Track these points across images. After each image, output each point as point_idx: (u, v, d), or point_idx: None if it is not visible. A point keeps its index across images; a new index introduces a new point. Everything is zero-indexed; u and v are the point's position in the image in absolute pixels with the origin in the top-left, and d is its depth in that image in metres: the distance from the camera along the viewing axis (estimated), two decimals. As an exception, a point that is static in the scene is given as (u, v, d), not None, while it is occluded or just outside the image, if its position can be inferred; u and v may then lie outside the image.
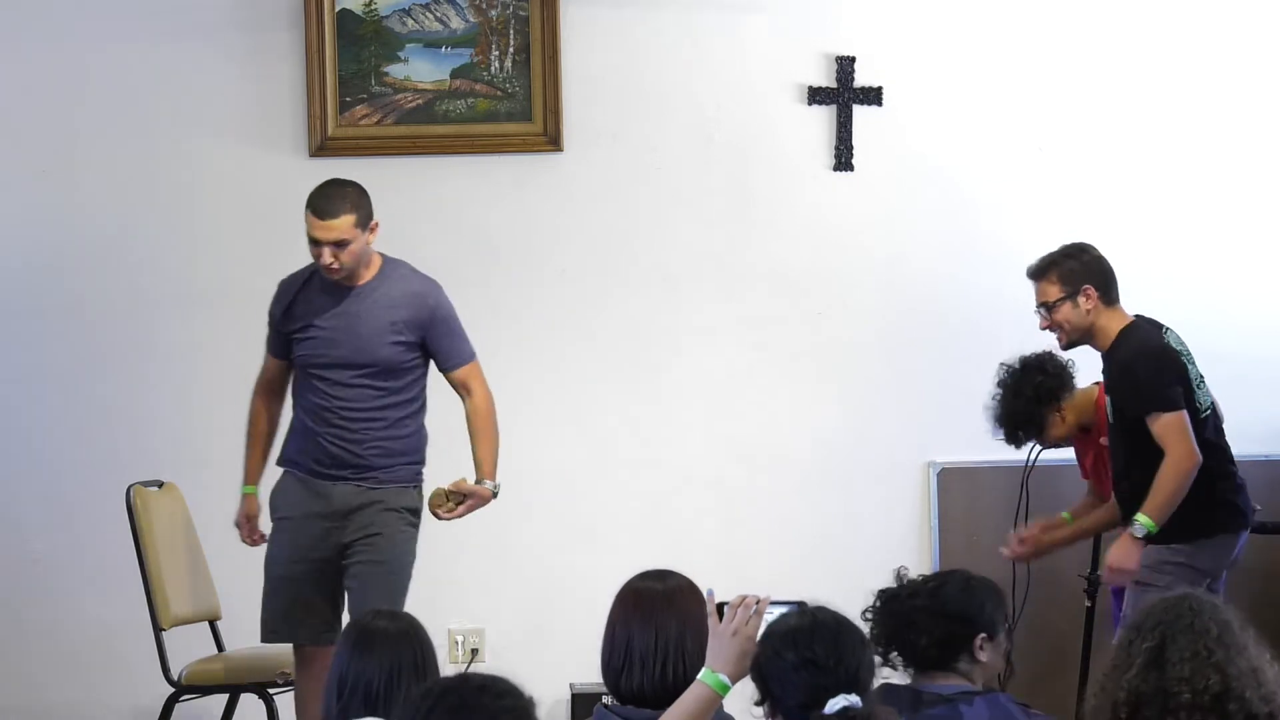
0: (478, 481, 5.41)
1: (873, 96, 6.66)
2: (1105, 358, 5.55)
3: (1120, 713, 3.09)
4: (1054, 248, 5.57)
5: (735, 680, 3.28)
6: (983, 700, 3.75)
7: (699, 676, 3.30)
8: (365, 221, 5.30)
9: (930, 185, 6.69)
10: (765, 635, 3.26)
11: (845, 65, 6.65)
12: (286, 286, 5.52)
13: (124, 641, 6.16)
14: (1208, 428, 5.50)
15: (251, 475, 5.60)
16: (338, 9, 6.46)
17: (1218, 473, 5.49)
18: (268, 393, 5.60)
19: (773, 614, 3.31)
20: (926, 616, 3.83)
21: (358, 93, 6.50)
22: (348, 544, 5.37)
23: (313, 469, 5.40)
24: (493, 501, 5.43)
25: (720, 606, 3.31)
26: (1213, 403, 5.56)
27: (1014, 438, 5.89)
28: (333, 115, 6.48)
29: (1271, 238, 6.85)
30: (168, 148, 6.52)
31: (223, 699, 5.93)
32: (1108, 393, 5.56)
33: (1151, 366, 5.40)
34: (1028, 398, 5.80)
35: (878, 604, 3.89)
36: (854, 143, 6.67)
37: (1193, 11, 6.78)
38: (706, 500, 6.64)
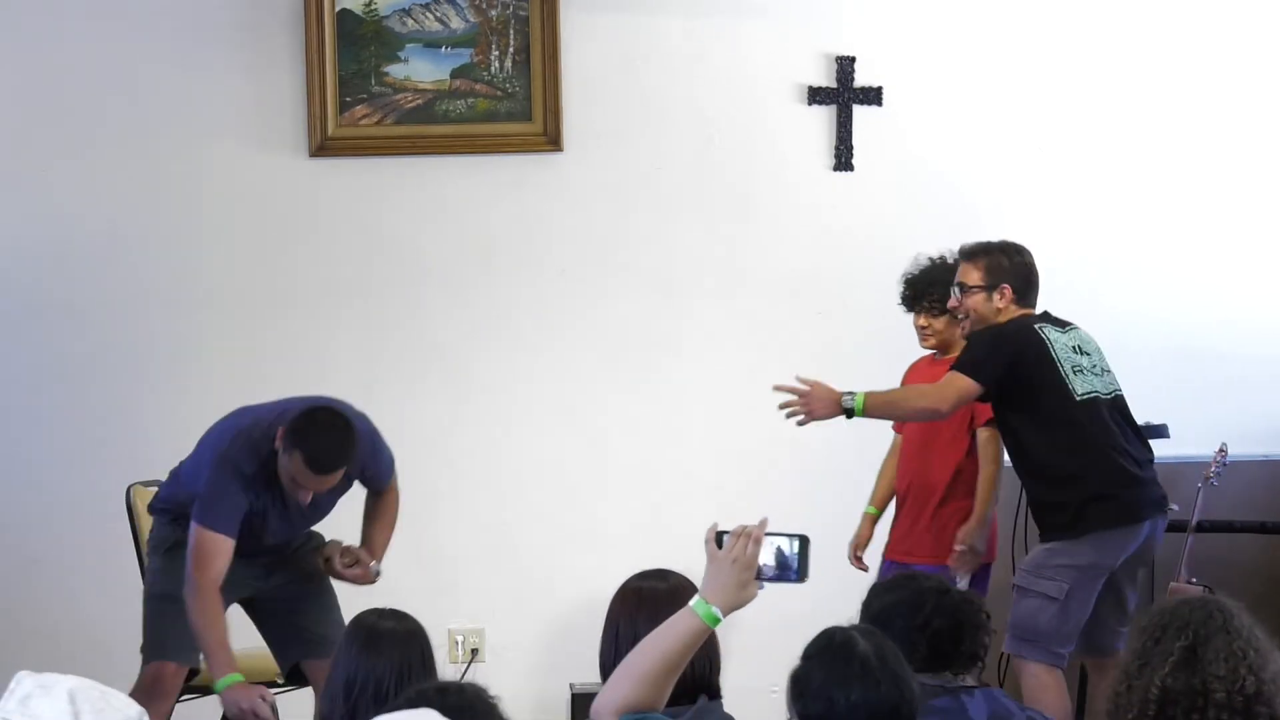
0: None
1: (873, 96, 6.67)
2: None
3: (1150, 710, 3.08)
4: (992, 240, 5.61)
5: (728, 612, 3.18)
6: (981, 693, 3.80)
7: (689, 604, 3.18)
8: (354, 459, 5.04)
9: (930, 185, 6.69)
10: (817, 657, 3.12)
11: (845, 65, 6.65)
12: (243, 481, 5.06)
13: (123, 642, 6.13)
14: (1081, 411, 5.43)
15: (229, 663, 5.00)
16: (338, 9, 6.45)
17: (1096, 466, 5.44)
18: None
19: (768, 543, 3.22)
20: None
21: (358, 93, 6.49)
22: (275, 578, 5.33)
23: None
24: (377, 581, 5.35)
25: (720, 536, 3.25)
26: (1098, 396, 5.47)
27: (920, 294, 5.78)
28: (333, 115, 6.48)
29: (1271, 238, 6.86)
30: (167, 147, 6.51)
31: (223, 699, 5.92)
32: None
33: (991, 338, 5.45)
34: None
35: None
36: (854, 143, 6.67)
37: (1193, 11, 6.78)
38: (706, 501, 6.62)
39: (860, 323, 6.69)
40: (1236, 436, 6.42)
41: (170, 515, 5.30)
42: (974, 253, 5.57)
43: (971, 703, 3.75)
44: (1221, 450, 6.22)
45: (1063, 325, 5.57)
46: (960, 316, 5.58)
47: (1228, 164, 6.82)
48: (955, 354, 5.80)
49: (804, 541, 3.25)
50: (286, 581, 5.36)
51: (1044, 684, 5.43)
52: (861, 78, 6.66)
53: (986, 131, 6.73)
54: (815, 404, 5.46)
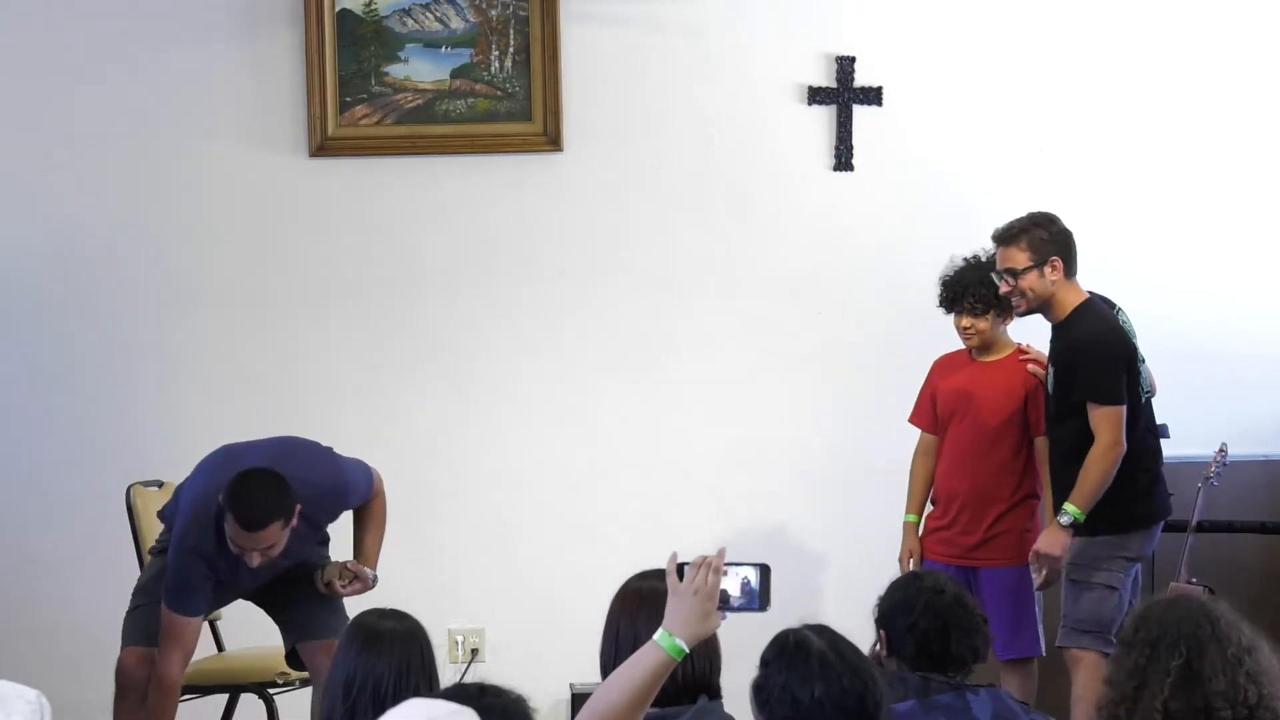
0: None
1: (873, 96, 6.66)
2: (1058, 330, 5.59)
3: None
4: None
5: (692, 644, 3.21)
6: (986, 692, 3.82)
7: (654, 638, 3.21)
8: (290, 513, 5.05)
9: (930, 185, 6.69)
10: (774, 661, 3.13)
11: (845, 65, 6.65)
12: (203, 559, 5.17)
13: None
14: (1148, 412, 5.58)
15: None
16: (338, 9, 6.45)
17: (1151, 462, 5.58)
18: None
19: (730, 573, 3.26)
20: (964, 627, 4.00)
21: (358, 93, 6.49)
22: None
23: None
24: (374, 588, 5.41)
25: (680, 567, 3.25)
26: (1151, 395, 5.62)
27: (959, 295, 5.81)
28: (333, 115, 6.48)
29: (1271, 238, 6.86)
30: (167, 147, 6.51)
31: (223, 699, 5.93)
32: (1053, 364, 5.59)
33: (1106, 354, 5.47)
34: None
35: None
36: (854, 143, 6.67)
37: (1193, 11, 6.78)
38: (706, 500, 6.64)
39: (860, 323, 6.69)
40: (1236, 436, 6.43)
41: (168, 529, 5.41)
42: (1011, 234, 5.55)
43: (976, 701, 3.79)
44: (1221, 450, 6.23)
45: (1115, 308, 5.61)
46: (1014, 299, 5.56)
47: (1228, 164, 6.82)
48: (997, 355, 5.81)
49: (764, 570, 3.29)
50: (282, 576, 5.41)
51: (1099, 675, 5.48)
52: (861, 78, 6.66)
53: (986, 131, 6.73)
54: (1050, 549, 5.51)
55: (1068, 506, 5.46)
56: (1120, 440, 5.43)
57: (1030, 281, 5.51)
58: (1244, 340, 6.80)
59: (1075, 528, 5.51)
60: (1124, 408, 5.45)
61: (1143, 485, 5.54)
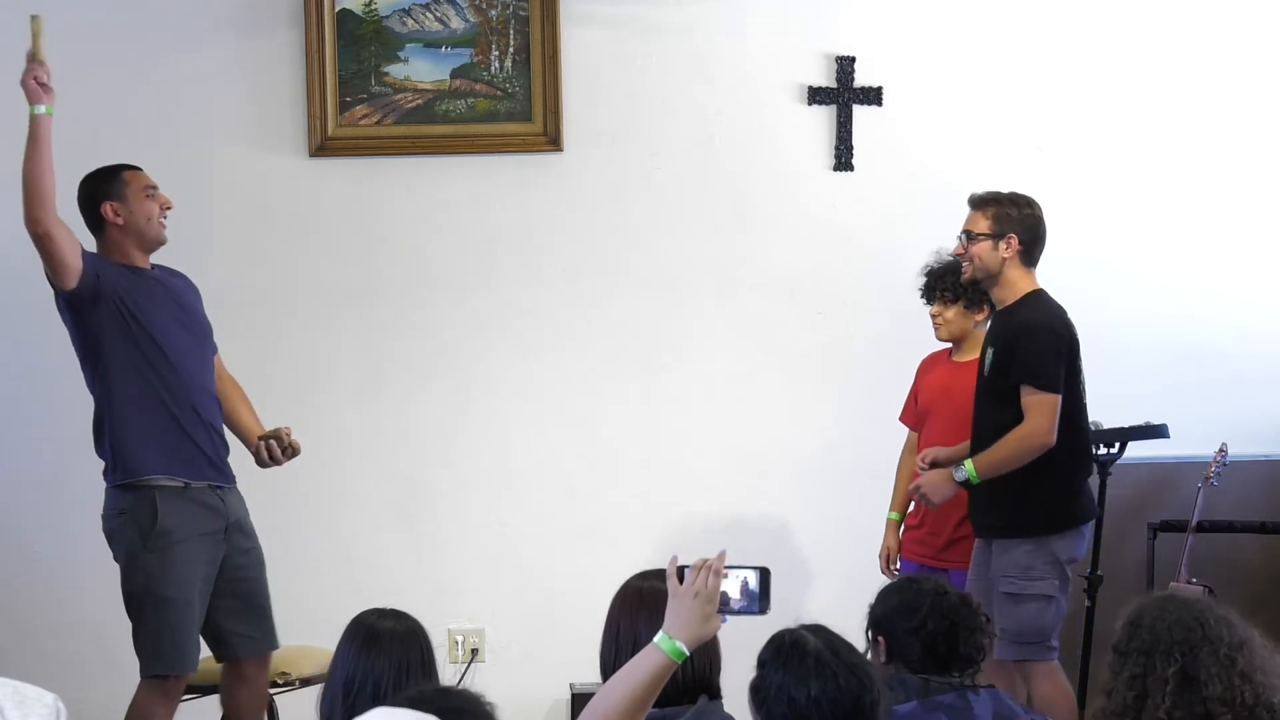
0: (264, 438, 5.44)
1: (873, 96, 6.67)
2: (1002, 314, 5.56)
3: None
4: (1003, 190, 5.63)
5: (692, 646, 3.22)
6: (986, 692, 3.83)
7: (654, 641, 3.24)
8: None
9: (930, 185, 6.69)
10: (771, 662, 3.16)
11: (845, 65, 6.65)
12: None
13: (123, 641, 6.14)
14: (1082, 410, 5.52)
15: None
16: (338, 9, 6.45)
17: (1084, 462, 5.53)
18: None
19: (730, 575, 3.28)
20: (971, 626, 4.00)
21: (358, 93, 6.49)
22: (228, 557, 5.36)
23: (193, 474, 5.31)
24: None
25: (681, 570, 3.27)
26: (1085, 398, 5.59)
27: (934, 284, 5.90)
28: (333, 115, 6.48)
29: (1271, 238, 6.86)
30: (167, 148, 6.50)
31: (223, 699, 5.93)
32: (991, 345, 5.55)
33: (1051, 340, 5.41)
34: None
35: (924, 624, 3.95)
36: (854, 143, 6.67)
37: (1193, 11, 6.79)
38: (706, 500, 6.64)
39: (860, 322, 6.69)
40: (1236, 436, 6.43)
41: (119, 505, 5.40)
42: (983, 201, 5.56)
43: (977, 701, 3.80)
44: (1221, 450, 6.23)
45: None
46: (964, 262, 5.56)
47: (1227, 164, 6.83)
48: (970, 355, 5.81)
49: (764, 573, 3.31)
50: (240, 566, 5.37)
51: (1053, 679, 5.48)
52: (861, 78, 6.66)
53: (986, 131, 6.73)
54: (930, 490, 5.49)
55: (967, 464, 5.39)
56: (1050, 431, 5.34)
57: (981, 249, 5.49)
58: (1244, 340, 6.81)
59: (999, 527, 5.44)
60: (1059, 398, 5.37)
61: (1074, 486, 5.47)
